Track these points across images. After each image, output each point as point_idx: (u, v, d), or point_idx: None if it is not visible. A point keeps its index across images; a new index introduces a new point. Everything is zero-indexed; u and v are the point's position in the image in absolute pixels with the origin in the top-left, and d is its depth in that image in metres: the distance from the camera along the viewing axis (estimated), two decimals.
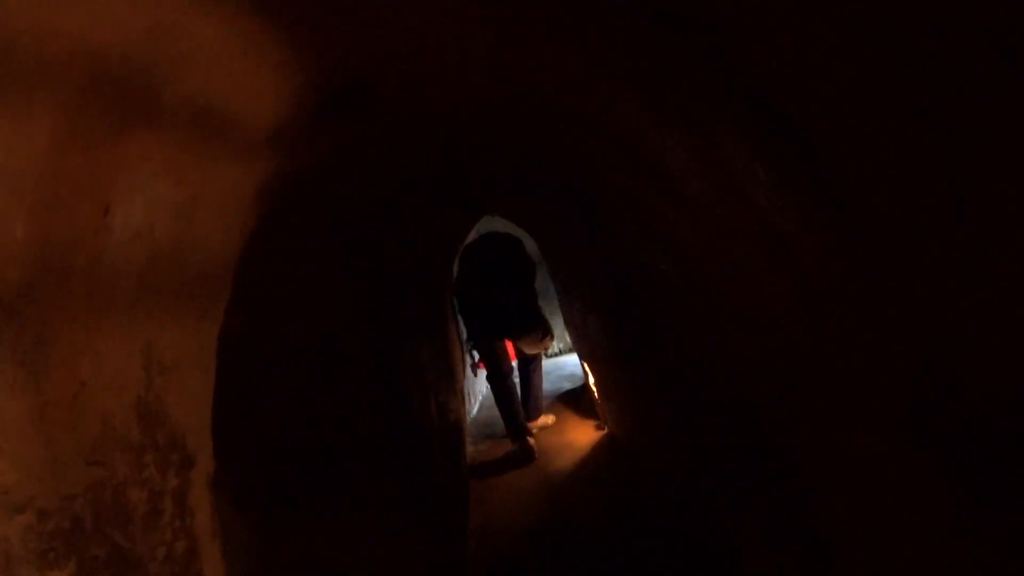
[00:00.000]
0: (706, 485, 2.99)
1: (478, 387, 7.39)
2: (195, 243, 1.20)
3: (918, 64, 0.81)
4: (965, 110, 0.79)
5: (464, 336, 6.64)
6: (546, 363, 6.29)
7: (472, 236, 6.26)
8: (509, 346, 6.06)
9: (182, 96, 1.05)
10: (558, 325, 7.38)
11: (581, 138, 1.99)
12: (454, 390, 4.60)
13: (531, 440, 5.47)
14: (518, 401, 5.69)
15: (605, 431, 5.41)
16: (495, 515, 4.15)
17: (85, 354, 1.01)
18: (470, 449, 5.58)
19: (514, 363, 6.03)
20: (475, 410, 6.88)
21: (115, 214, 1.02)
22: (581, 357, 5.96)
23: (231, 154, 1.22)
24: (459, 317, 5.98)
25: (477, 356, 6.51)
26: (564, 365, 8.23)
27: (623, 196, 2.20)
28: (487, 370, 5.85)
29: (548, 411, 6.10)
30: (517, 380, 5.96)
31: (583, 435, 5.48)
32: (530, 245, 6.28)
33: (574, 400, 6.54)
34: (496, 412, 6.43)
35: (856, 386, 1.37)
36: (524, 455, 5.29)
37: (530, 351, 5.76)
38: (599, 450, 5.08)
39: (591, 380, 5.60)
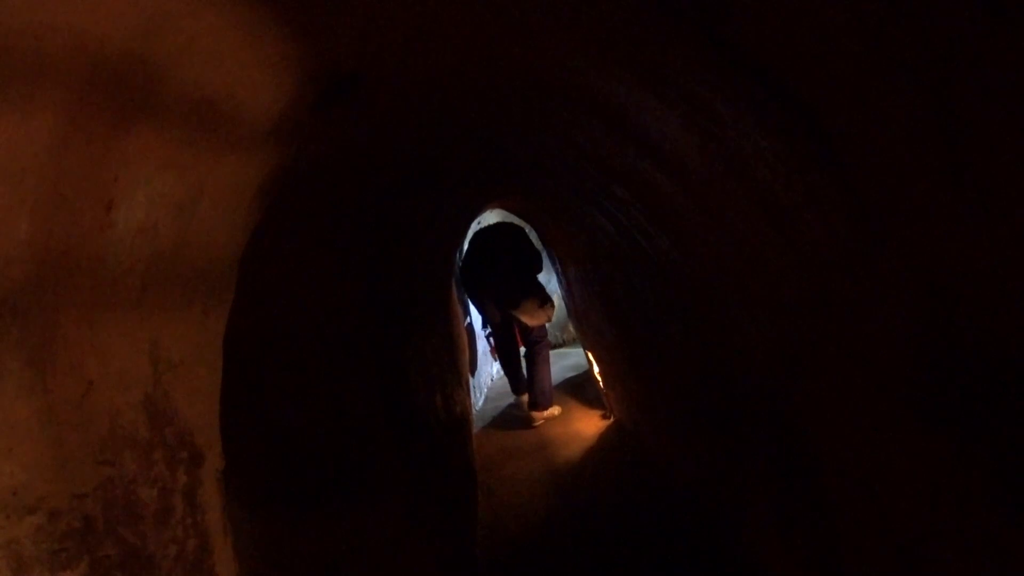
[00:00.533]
0: (714, 472, 2.98)
1: (483, 381, 7.40)
2: (199, 238, 1.19)
3: (921, 40, 0.80)
4: (965, 86, 0.78)
5: (479, 324, 6.76)
6: (551, 354, 6.33)
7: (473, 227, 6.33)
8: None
9: (183, 89, 1.04)
10: (561, 314, 7.46)
11: (584, 123, 1.98)
12: (460, 383, 4.60)
13: (524, 399, 6.00)
14: (519, 358, 6.19)
15: (611, 420, 5.41)
16: (504, 506, 4.16)
17: (92, 352, 1.01)
18: (476, 439, 5.58)
19: (522, 349, 6.14)
20: (480, 403, 6.88)
21: (118, 210, 1.01)
22: (585, 346, 5.96)
23: (233, 148, 1.21)
24: (466, 300, 6.10)
25: (494, 342, 6.64)
26: (568, 355, 8.23)
27: (626, 180, 2.19)
28: (494, 336, 6.31)
29: (554, 401, 6.11)
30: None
31: (589, 424, 5.49)
32: (533, 236, 6.33)
33: (579, 389, 6.55)
34: (501, 403, 6.50)
35: (863, 367, 1.36)
36: (521, 412, 6.00)
37: (531, 321, 5.83)
38: (605, 439, 5.08)
39: (595, 369, 5.60)
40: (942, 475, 1.22)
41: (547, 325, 6.02)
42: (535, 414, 5.81)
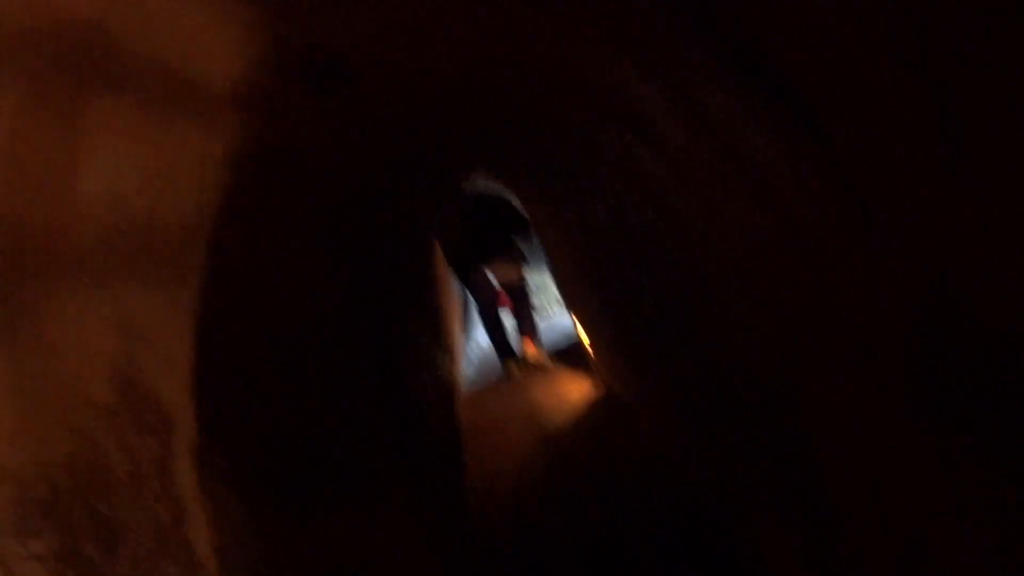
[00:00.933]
0: (714, 471, 2.99)
1: (472, 353, 7.43)
2: (165, 208, 1.18)
3: (921, 36, 0.80)
4: (965, 83, 0.78)
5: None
6: (541, 325, 6.43)
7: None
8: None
9: (145, 57, 1.03)
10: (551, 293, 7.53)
11: (569, 104, 1.96)
12: (449, 354, 4.62)
13: (514, 367, 6.15)
14: (501, 321, 6.35)
15: (601, 389, 5.43)
16: (494, 475, 4.18)
17: (59, 323, 1.00)
18: (466, 406, 5.61)
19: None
20: (471, 372, 6.91)
21: (81, 180, 1.00)
22: (572, 315, 5.99)
23: (197, 118, 1.20)
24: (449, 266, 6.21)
25: (479, 312, 6.76)
26: (556, 325, 8.25)
27: (614, 164, 2.19)
28: (479, 306, 6.43)
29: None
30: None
31: (579, 394, 5.51)
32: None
33: (569, 358, 6.56)
34: (490, 371, 6.55)
35: (864, 365, 1.36)
36: (510, 372, 6.14)
37: (504, 279, 6.05)
38: (596, 408, 5.10)
39: (585, 339, 5.62)
40: (944, 473, 1.22)
41: (531, 291, 6.19)
42: (525, 337, 6.10)
